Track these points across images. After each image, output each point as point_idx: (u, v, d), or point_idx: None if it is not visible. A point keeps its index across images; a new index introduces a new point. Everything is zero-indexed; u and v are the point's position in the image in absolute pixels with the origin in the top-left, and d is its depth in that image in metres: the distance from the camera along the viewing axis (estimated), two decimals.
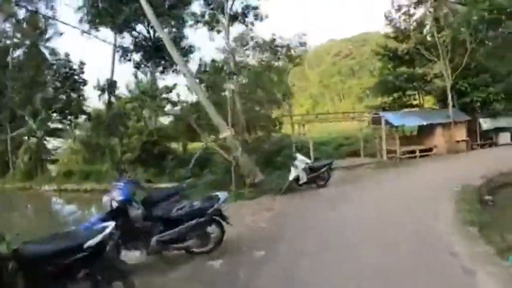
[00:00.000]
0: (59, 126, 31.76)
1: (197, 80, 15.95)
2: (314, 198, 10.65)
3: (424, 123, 20.87)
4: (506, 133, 25.84)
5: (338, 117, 25.30)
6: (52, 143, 31.81)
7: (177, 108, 22.56)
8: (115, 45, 26.55)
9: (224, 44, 19.60)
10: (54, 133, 30.97)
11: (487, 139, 24.52)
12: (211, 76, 17.30)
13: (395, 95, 26.69)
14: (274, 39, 18.96)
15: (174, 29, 25.71)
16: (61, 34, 30.75)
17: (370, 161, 19.31)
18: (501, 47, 25.11)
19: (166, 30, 21.20)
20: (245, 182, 11.66)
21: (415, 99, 27.93)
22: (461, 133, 22.32)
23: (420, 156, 20.57)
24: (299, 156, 11.49)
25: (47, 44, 30.41)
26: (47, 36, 30.33)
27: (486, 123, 23.27)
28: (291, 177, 10.88)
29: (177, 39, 24.53)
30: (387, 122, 19.81)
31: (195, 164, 16.74)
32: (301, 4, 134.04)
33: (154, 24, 14.68)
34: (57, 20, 29.36)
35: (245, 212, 8.76)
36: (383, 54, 27.03)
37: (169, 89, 26.48)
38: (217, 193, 5.84)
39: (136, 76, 27.94)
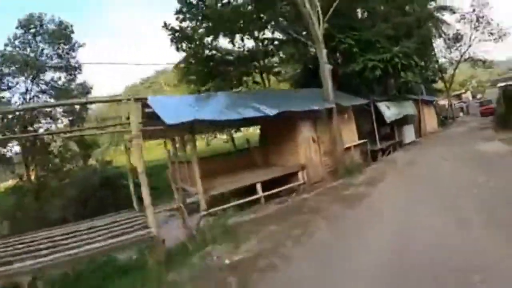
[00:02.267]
0: None
1: None
2: None
3: (271, 113, 8.16)
4: (410, 126, 16.38)
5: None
6: None
7: None
8: None
9: None
10: None
11: (387, 138, 14.31)
12: None
13: (218, 80, 14.84)
14: None
15: None
16: None
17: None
18: None
19: None
20: None
21: (256, 83, 16.34)
22: (351, 132, 11.06)
23: (268, 198, 8.28)
24: None
25: None
26: None
27: (390, 110, 12.69)
28: None
29: None
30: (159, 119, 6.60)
31: None
32: None
33: None
34: None
35: None
36: (185, 12, 14.13)
37: None
38: None
39: None
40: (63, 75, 15.94)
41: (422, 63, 14.38)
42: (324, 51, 9.85)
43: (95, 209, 11.06)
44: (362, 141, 11.10)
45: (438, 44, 26.50)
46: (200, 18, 12.96)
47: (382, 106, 12.34)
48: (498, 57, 28.69)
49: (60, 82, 15.80)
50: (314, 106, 9.07)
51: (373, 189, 7.90)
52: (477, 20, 25.05)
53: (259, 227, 6.48)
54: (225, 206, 7.72)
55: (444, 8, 23.63)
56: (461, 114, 32.34)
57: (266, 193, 8.26)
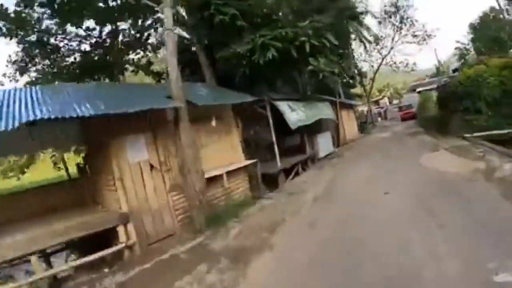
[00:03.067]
0: None
1: None
2: None
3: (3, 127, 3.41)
4: (326, 133, 13.27)
5: None
6: None
7: None
8: None
9: None
10: None
11: (296, 151, 10.75)
12: None
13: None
14: None
15: None
16: None
17: None
18: None
19: None
20: None
21: (111, 79, 12.11)
22: (229, 148, 7.00)
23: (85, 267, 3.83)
24: None
25: None
26: None
27: (296, 112, 9.04)
28: None
29: None
30: None
31: None
32: None
33: None
34: None
35: None
36: None
37: None
38: None
39: None
40: None
41: (340, 50, 11.07)
42: (170, 10, 5.57)
43: None
44: (248, 162, 7.08)
45: (357, 45, 24.92)
46: None
47: (283, 106, 8.59)
48: (419, 66, 28.63)
49: None
50: (136, 106, 4.69)
51: (240, 275, 3.78)
52: (401, 22, 23.96)
53: None
54: None
55: (364, 12, 22.05)
56: (379, 119, 32.59)
57: (57, 269, 3.89)
